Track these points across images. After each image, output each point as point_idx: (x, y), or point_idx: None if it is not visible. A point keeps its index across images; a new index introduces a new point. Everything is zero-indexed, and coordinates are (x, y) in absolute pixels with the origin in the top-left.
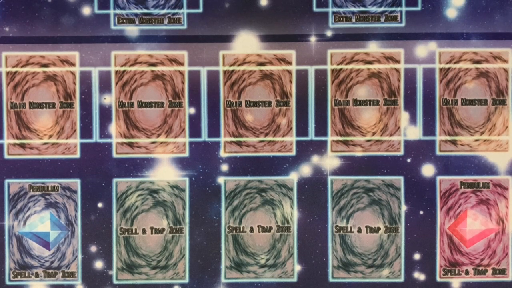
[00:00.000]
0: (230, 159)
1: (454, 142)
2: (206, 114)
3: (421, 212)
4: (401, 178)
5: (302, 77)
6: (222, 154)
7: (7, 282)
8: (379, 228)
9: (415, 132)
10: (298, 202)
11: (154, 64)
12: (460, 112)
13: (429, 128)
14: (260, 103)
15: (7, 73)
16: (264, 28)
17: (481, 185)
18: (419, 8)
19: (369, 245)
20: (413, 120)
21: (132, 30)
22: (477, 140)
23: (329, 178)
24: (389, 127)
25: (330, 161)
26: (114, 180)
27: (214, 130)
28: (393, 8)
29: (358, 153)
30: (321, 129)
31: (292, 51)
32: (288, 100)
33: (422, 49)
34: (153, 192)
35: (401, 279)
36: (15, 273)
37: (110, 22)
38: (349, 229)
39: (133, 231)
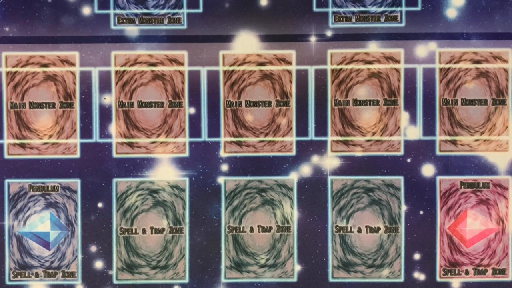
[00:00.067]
0: (230, 159)
1: (454, 142)
2: (206, 114)
3: (421, 212)
4: (401, 178)
5: (302, 77)
6: (222, 154)
7: (7, 282)
8: (379, 228)
9: (415, 132)
10: (298, 202)
11: (154, 64)
12: (460, 112)
13: (429, 128)
14: (260, 103)
15: (7, 73)
16: (264, 28)
17: (481, 185)
18: (419, 8)
19: (369, 245)
20: (413, 120)
21: (132, 30)
22: (477, 140)
23: (329, 178)
24: (389, 127)
25: (330, 161)
26: (114, 180)
27: (214, 130)
28: (393, 8)
29: (358, 153)
30: (321, 129)
31: (292, 51)
32: (288, 100)
33: (422, 49)
34: (153, 192)
35: (401, 279)
36: (15, 273)
37: (110, 22)
38: (349, 229)
39: (133, 231)
